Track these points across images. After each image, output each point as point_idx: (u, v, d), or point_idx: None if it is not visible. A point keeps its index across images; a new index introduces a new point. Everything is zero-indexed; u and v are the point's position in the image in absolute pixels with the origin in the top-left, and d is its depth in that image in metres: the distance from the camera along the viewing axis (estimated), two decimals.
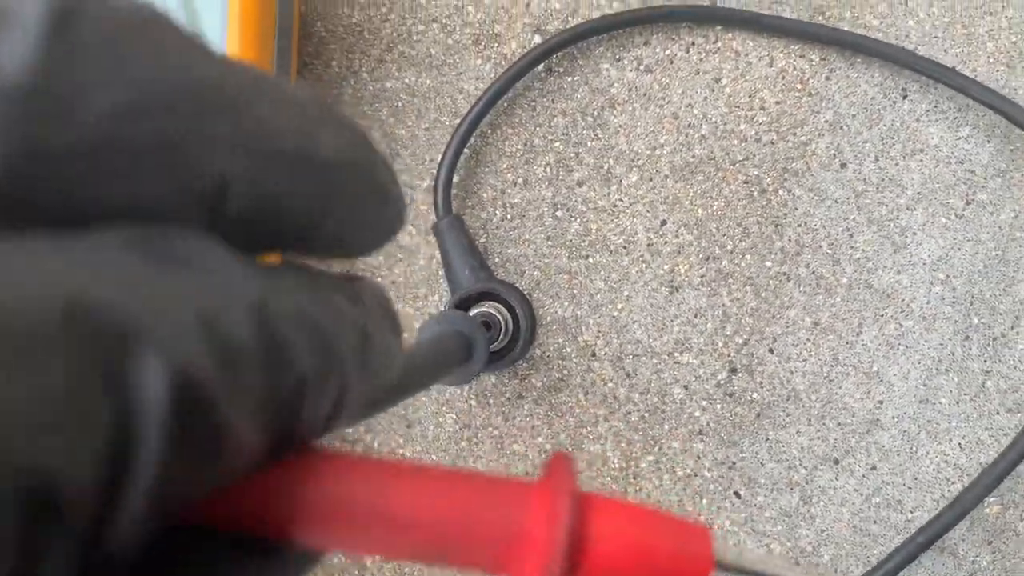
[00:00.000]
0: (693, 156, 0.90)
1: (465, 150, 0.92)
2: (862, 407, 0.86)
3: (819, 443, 0.86)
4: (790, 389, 0.87)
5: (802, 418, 0.86)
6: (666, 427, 0.88)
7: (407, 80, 0.94)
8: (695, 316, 0.88)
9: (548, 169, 0.91)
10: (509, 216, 0.91)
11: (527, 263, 0.91)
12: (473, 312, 0.82)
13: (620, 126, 0.91)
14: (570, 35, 0.90)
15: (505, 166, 0.92)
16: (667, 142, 0.90)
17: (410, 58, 0.95)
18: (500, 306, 0.84)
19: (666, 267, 0.89)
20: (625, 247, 0.90)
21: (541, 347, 0.90)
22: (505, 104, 0.92)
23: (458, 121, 0.90)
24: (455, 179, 0.92)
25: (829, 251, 0.87)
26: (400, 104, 0.94)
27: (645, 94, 0.91)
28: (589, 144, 0.91)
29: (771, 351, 0.87)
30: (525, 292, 0.90)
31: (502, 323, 0.82)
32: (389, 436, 0.91)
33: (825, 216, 0.87)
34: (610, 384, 0.89)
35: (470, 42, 0.94)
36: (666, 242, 0.89)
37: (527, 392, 0.90)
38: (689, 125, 0.90)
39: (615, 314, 0.89)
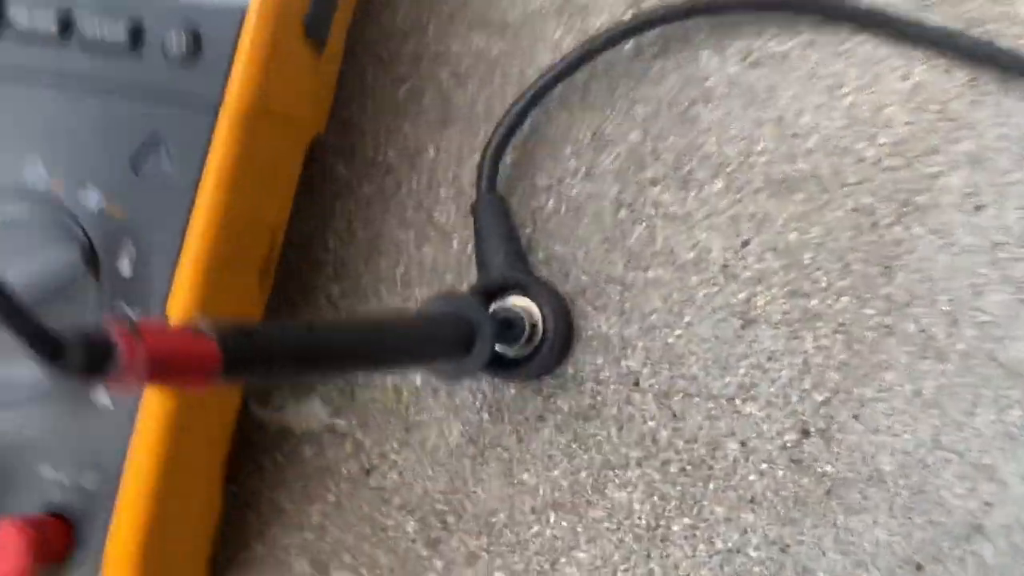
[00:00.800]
0: (795, 170, 0.77)
1: (524, 127, 0.81)
2: (963, 506, 0.70)
3: (900, 541, 0.70)
4: (873, 468, 0.71)
5: (883, 506, 0.71)
6: (711, 487, 0.73)
7: (476, 43, 0.84)
8: (768, 360, 0.74)
9: (617, 161, 0.79)
10: (563, 209, 0.79)
11: (574, 265, 0.78)
12: (495, 305, 0.70)
13: (711, 124, 0.78)
14: (668, 12, 0.79)
15: (568, 152, 0.80)
16: (765, 150, 0.77)
17: (483, 20, 0.85)
18: (531, 305, 0.71)
19: (741, 295, 0.75)
20: (695, 264, 0.76)
21: (575, 365, 0.77)
22: (580, 82, 0.81)
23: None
24: (508, 159, 0.81)
25: (947, 308, 0.72)
26: (463, 68, 0.84)
27: (748, 92, 0.79)
28: (670, 140, 0.79)
29: (856, 418, 0.72)
30: (565, 297, 0.78)
31: (527, 325, 0.69)
32: (383, 437, 0.78)
33: (949, 265, 0.72)
34: (651, 423, 0.75)
35: (553, 10, 0.84)
36: (746, 266, 0.76)
37: (550, 414, 0.76)
38: (795, 135, 0.77)
39: (670, 341, 0.75)
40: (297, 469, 0.79)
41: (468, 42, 0.85)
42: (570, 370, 0.77)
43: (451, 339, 0.54)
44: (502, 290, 0.72)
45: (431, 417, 0.77)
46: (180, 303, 0.59)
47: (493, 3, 0.85)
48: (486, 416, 0.77)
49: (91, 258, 0.60)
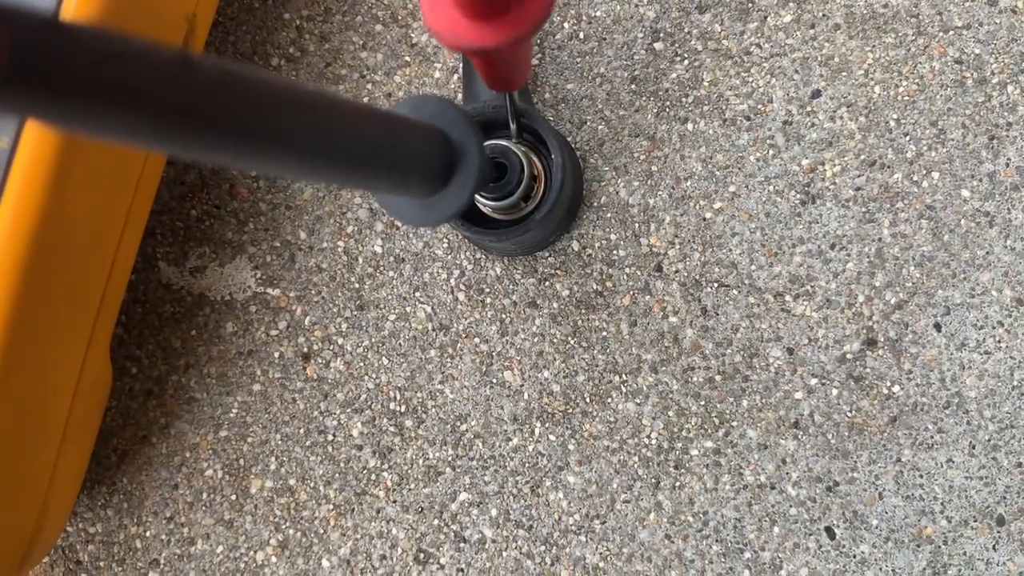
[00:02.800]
0: (886, 6, 0.62)
1: None
2: None
3: (979, 487, 0.58)
4: (954, 392, 0.59)
5: (962, 441, 0.59)
6: (744, 404, 0.61)
7: None
8: (832, 247, 0.61)
9: None
10: (583, 33, 0.64)
11: (592, 109, 0.63)
12: (487, 144, 0.55)
13: None
14: None
15: None
16: None
17: None
18: (529, 153, 0.57)
19: (805, 161, 0.61)
20: (749, 118, 0.62)
21: (581, 239, 0.63)
22: None
23: None
24: None
25: None
26: None
27: None
28: None
29: (938, 328, 0.59)
30: (575, 149, 0.63)
31: (521, 171, 0.55)
32: (328, 314, 0.64)
33: None
34: (673, 319, 0.62)
35: None
36: (814, 124, 0.61)
37: (544, 300, 0.63)
38: None
39: (707, 216, 0.62)
40: (214, 349, 0.65)
41: None
42: (574, 245, 0.63)
43: (423, 153, 0.39)
44: (492, 127, 0.57)
45: (392, 294, 0.64)
46: None
47: None
48: (461, 297, 0.63)
49: None
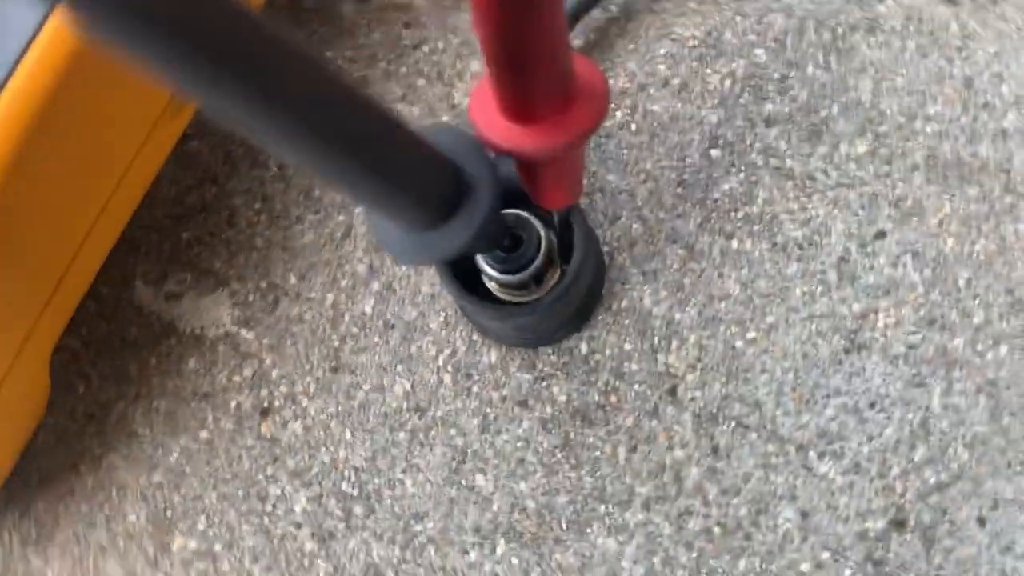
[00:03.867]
0: (972, 155, 0.57)
1: (612, 7, 0.63)
2: None
3: None
4: None
5: None
6: (742, 566, 0.53)
7: None
8: (871, 406, 0.54)
9: (728, 83, 0.60)
10: (637, 126, 0.60)
11: (630, 205, 0.59)
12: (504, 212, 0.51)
13: (871, 62, 0.59)
14: None
15: (664, 50, 0.61)
16: (938, 118, 0.58)
17: None
18: (549, 232, 0.52)
19: (856, 306, 0.56)
20: (802, 247, 0.57)
21: (592, 340, 0.57)
22: None
23: None
24: (578, 43, 0.62)
25: None
26: None
27: (932, 32, 0.59)
28: (809, 70, 0.60)
29: (981, 522, 0.52)
30: (605, 245, 0.59)
31: (538, 246, 0.50)
32: (299, 370, 0.60)
33: None
34: (679, 452, 0.55)
35: None
36: (873, 267, 0.56)
37: (537, 402, 0.57)
38: (986, 104, 0.58)
39: (738, 345, 0.56)
40: (170, 383, 0.60)
41: None
42: (583, 347, 0.57)
43: (427, 173, 0.35)
44: (516, 197, 0.53)
45: (372, 361, 0.58)
46: None
47: None
48: (447, 379, 0.58)
49: None
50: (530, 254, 0.50)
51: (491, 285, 0.54)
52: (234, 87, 0.24)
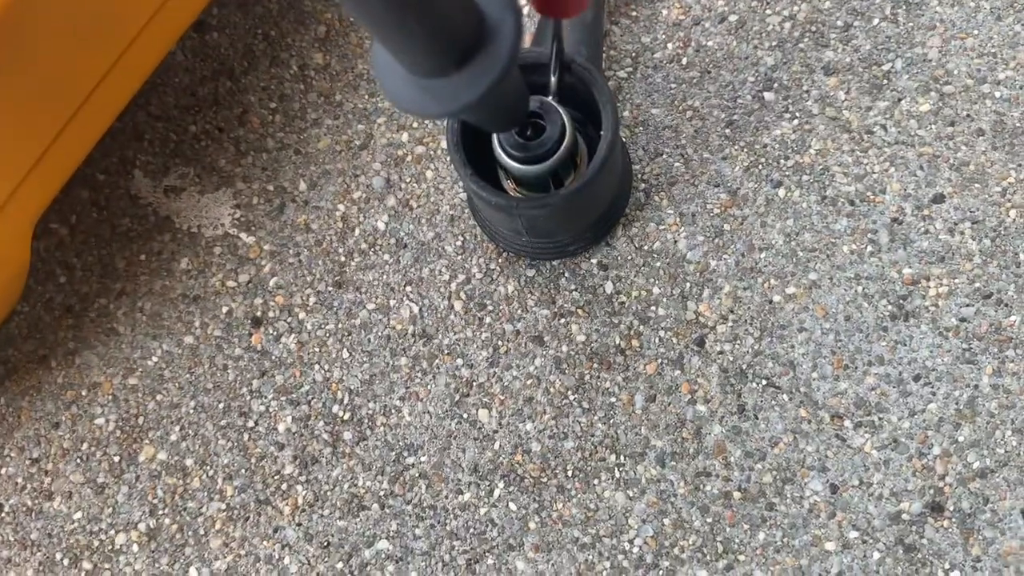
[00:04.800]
0: None
1: None
2: None
3: None
4: None
5: None
6: (761, 537, 0.49)
7: None
8: (916, 378, 0.50)
9: (788, 25, 0.56)
10: (688, 60, 0.56)
11: (673, 143, 0.55)
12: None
13: (942, 20, 0.55)
14: None
15: None
16: (1009, 83, 0.54)
17: None
18: (574, 127, 0.47)
19: (907, 271, 0.51)
20: (853, 203, 0.53)
21: (618, 280, 0.53)
22: None
23: None
24: None
25: None
26: None
27: None
28: (876, 21, 0.56)
29: None
30: (643, 182, 0.55)
31: (562, 136, 0.46)
32: (299, 282, 0.55)
33: None
34: (702, 407, 0.51)
35: None
36: (928, 231, 0.52)
37: (554, 339, 0.53)
38: None
39: (775, 299, 0.52)
40: (159, 282, 0.55)
41: None
42: (608, 286, 0.53)
43: (451, 14, 0.30)
44: (543, 87, 0.48)
45: (379, 280, 0.54)
46: None
47: None
48: (458, 306, 0.53)
49: None
50: (551, 144, 0.45)
51: (507, 184, 0.50)
52: None
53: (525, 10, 0.46)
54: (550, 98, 0.47)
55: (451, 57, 0.31)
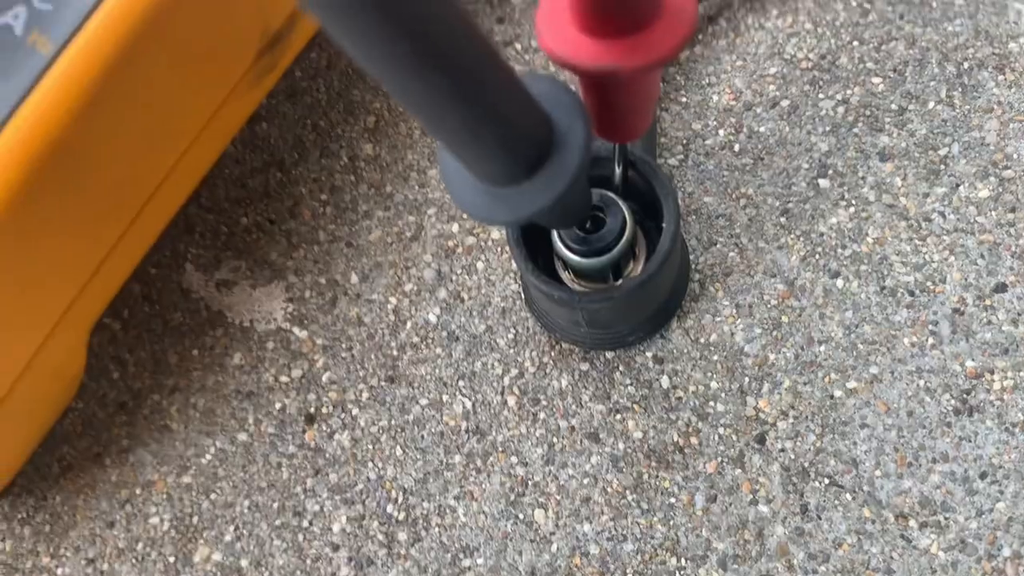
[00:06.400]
0: None
1: (721, 22, 0.59)
2: None
3: None
4: None
5: None
6: None
7: None
8: (983, 476, 0.49)
9: (842, 110, 0.55)
10: (741, 147, 0.56)
11: (728, 232, 0.54)
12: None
13: (999, 102, 0.55)
14: None
15: (775, 72, 0.57)
16: None
17: None
18: (636, 223, 0.47)
19: (970, 363, 0.50)
20: (913, 293, 0.52)
21: (675, 375, 0.52)
22: None
23: None
24: (684, 55, 0.58)
25: None
26: None
27: None
28: (931, 104, 0.55)
29: None
30: (697, 271, 0.54)
31: (623, 228, 0.46)
32: (352, 376, 0.55)
33: None
34: (764, 507, 0.50)
35: None
36: (991, 322, 0.51)
37: (610, 436, 0.52)
38: None
39: (837, 394, 0.51)
40: (212, 378, 0.55)
41: None
42: (664, 381, 0.52)
43: (525, 122, 0.30)
44: (606, 182, 0.48)
45: (432, 374, 0.54)
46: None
47: None
48: (512, 402, 0.53)
49: None
50: (611, 238, 0.45)
51: (565, 275, 0.49)
52: None
53: None
54: (611, 192, 0.47)
55: (522, 167, 0.32)
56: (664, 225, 0.46)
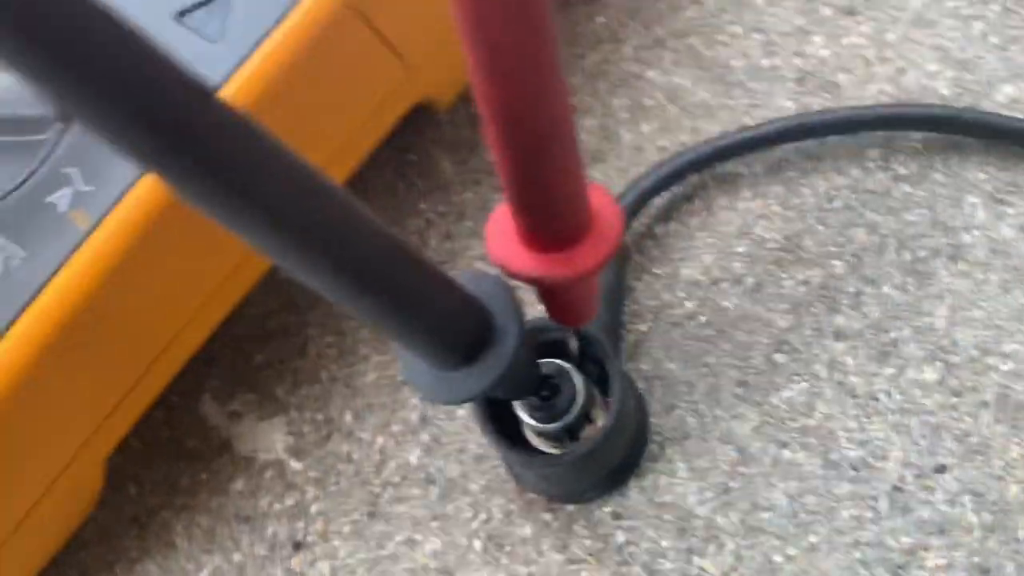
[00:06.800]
0: None
1: (696, 201, 0.64)
2: None
3: None
4: None
5: None
6: None
7: (677, 80, 0.69)
8: None
9: (804, 288, 0.60)
10: (706, 319, 0.61)
11: (687, 398, 0.59)
12: (544, 362, 0.52)
13: (950, 291, 0.59)
14: (937, 115, 0.61)
15: (743, 250, 0.62)
16: (1015, 356, 0.57)
17: (699, 58, 0.70)
18: (594, 392, 0.53)
19: (906, 540, 0.54)
20: (856, 468, 0.56)
21: (631, 531, 0.57)
22: (782, 163, 0.64)
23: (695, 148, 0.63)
24: (660, 230, 0.64)
25: None
26: (648, 103, 0.69)
27: (1015, 269, 0.59)
28: (884, 288, 0.60)
29: None
30: (657, 434, 0.59)
31: (574, 397, 0.51)
32: (338, 510, 0.60)
33: None
34: None
35: (792, 77, 0.68)
36: (929, 501, 0.54)
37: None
38: None
39: (776, 559, 0.55)
40: (215, 500, 0.62)
41: (670, 76, 0.70)
42: (619, 536, 0.57)
43: (460, 320, 0.36)
44: (561, 347, 0.53)
45: (408, 513, 0.59)
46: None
47: (718, 44, 0.70)
48: (478, 546, 0.58)
49: None
50: (563, 406, 0.51)
51: (529, 434, 0.55)
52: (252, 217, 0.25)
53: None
54: (568, 363, 0.52)
55: (465, 355, 0.38)
56: (609, 399, 0.51)
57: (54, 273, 0.49)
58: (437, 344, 0.37)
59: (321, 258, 0.28)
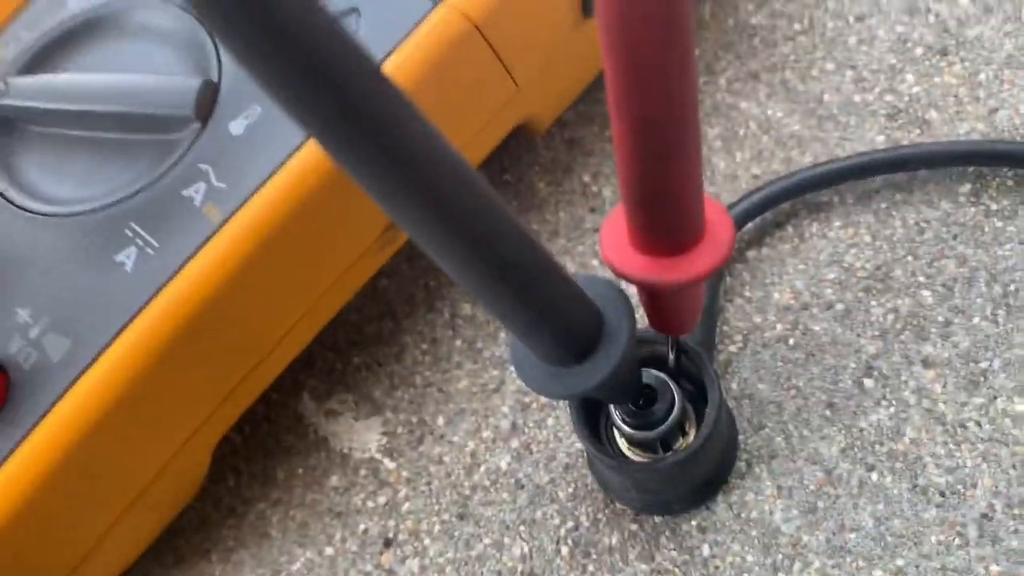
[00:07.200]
0: None
1: (788, 228, 0.66)
2: None
3: None
4: None
5: None
6: None
7: (771, 112, 0.72)
8: None
9: (892, 317, 0.62)
10: (795, 341, 0.62)
11: (776, 418, 0.60)
12: (644, 371, 0.54)
13: None
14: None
15: (832, 277, 0.64)
16: None
17: (792, 91, 0.72)
18: (688, 404, 0.55)
19: (995, 568, 0.54)
20: (943, 494, 0.56)
21: (716, 545, 0.58)
22: (882, 198, 0.66)
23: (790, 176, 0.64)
24: (752, 254, 0.66)
25: None
26: (742, 133, 0.71)
27: None
28: (976, 320, 0.61)
29: None
30: (745, 452, 0.60)
31: (672, 405, 0.53)
32: (428, 509, 0.63)
33: None
34: None
35: (883, 112, 0.70)
36: (1018, 530, 0.55)
37: None
38: None
39: None
40: (310, 495, 0.64)
41: (764, 107, 0.72)
42: (705, 549, 0.58)
43: (576, 319, 0.38)
44: (655, 360, 0.55)
45: (497, 516, 0.61)
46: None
47: (810, 78, 0.72)
48: (565, 552, 0.59)
49: (208, 98, 0.52)
50: (660, 415, 0.52)
51: (621, 442, 0.56)
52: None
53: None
54: (665, 374, 0.54)
55: (577, 353, 0.40)
56: (707, 410, 0.53)
57: (186, 261, 0.52)
58: (556, 338, 0.39)
59: (469, 236, 0.31)
